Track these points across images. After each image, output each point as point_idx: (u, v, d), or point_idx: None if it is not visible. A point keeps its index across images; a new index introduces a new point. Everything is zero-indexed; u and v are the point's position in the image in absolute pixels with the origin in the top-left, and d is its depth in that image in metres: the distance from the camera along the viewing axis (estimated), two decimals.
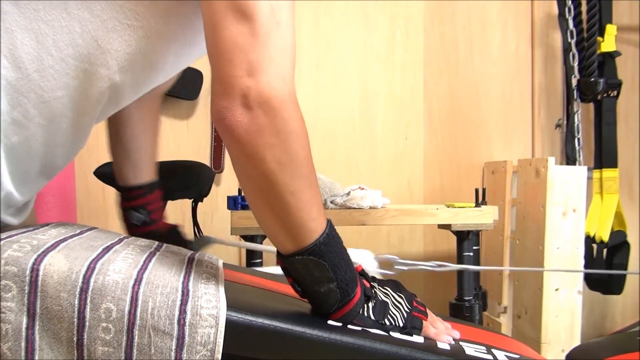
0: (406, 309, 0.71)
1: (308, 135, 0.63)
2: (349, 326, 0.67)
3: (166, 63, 0.74)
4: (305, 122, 0.62)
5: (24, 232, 0.63)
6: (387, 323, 0.69)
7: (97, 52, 0.66)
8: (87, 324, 0.55)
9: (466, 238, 1.59)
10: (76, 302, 0.55)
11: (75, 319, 0.55)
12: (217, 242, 1.10)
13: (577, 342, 1.73)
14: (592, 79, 2.00)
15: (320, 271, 0.64)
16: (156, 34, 0.69)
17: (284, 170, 0.60)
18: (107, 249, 0.64)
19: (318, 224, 0.64)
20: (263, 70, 0.58)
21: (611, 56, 2.05)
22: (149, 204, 0.95)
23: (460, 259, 1.60)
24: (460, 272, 1.61)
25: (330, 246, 0.65)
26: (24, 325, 0.54)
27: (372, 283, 0.72)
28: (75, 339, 0.55)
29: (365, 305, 0.68)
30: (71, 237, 0.66)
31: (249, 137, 0.58)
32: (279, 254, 0.67)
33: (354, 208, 1.52)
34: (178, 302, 0.57)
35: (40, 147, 0.68)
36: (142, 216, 0.94)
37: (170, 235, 0.98)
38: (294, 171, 0.61)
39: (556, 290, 1.72)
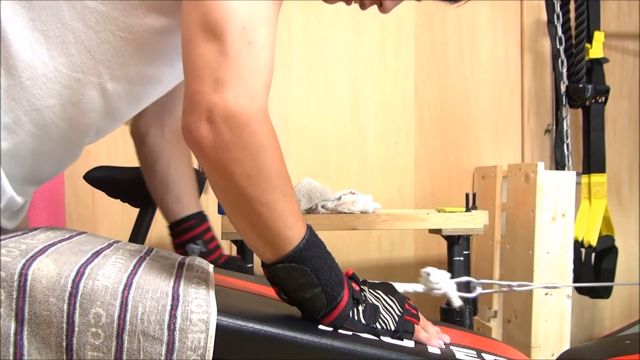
0: (398, 312, 0.71)
1: (280, 148, 0.62)
2: (340, 331, 0.67)
3: (162, 74, 0.75)
4: (277, 137, 0.62)
5: (12, 237, 0.63)
6: (379, 327, 0.69)
7: (90, 62, 0.66)
8: (76, 329, 0.55)
9: (457, 243, 1.60)
10: (65, 307, 0.55)
11: (64, 324, 0.54)
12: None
13: (566, 346, 1.74)
14: (581, 85, 2.02)
15: (303, 277, 0.64)
16: (148, 46, 0.70)
17: (254, 184, 0.60)
18: (97, 254, 0.63)
19: (296, 231, 0.64)
20: (229, 87, 0.57)
21: (599, 62, 2.07)
22: (203, 234, 0.95)
23: (450, 264, 1.61)
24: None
25: (311, 251, 0.65)
26: (12, 331, 0.54)
27: (362, 286, 0.72)
28: (64, 344, 0.54)
29: (355, 309, 0.68)
30: (60, 241, 0.65)
31: (215, 152, 0.58)
32: (263, 263, 0.67)
33: (345, 213, 1.52)
34: (168, 307, 0.57)
35: (29, 155, 0.68)
36: (199, 247, 0.93)
37: (230, 265, 0.97)
38: (264, 184, 0.61)
39: (546, 294, 1.72)
